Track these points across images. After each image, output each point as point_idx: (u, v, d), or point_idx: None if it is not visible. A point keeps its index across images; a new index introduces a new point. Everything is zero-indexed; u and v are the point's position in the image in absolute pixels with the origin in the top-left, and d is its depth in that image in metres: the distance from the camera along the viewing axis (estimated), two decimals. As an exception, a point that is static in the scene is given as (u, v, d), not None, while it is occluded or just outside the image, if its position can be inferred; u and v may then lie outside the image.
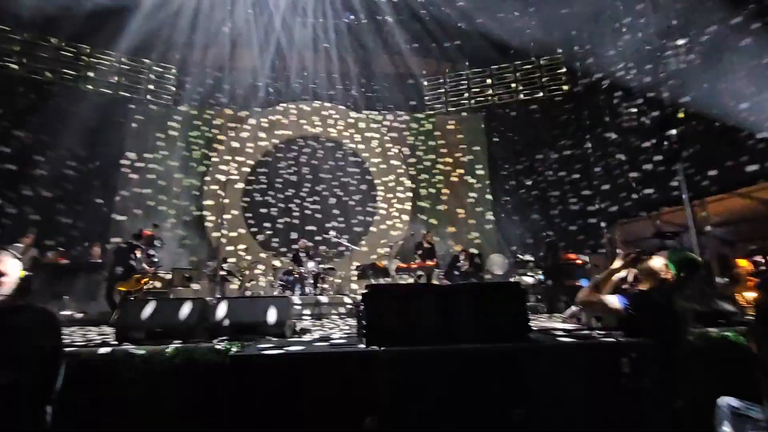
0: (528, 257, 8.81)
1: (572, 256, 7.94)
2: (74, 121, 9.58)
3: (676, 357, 2.33)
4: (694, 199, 7.44)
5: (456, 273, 8.65)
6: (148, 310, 3.17)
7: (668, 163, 7.71)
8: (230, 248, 10.36)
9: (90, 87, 10.25)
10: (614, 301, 2.48)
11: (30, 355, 1.50)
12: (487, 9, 10.20)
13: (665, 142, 7.76)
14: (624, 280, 2.90)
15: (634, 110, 8.79)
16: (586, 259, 7.83)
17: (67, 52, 9.98)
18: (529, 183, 10.95)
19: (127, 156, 10.60)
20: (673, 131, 7.47)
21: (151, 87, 10.98)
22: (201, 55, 10.97)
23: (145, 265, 6.82)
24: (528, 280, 8.02)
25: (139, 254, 6.74)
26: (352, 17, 11.07)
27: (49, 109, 9.45)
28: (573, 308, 4.26)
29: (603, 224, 9.59)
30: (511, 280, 8.52)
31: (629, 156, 8.84)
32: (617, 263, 2.60)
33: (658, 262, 2.55)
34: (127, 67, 10.72)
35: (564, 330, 3.36)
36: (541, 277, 7.83)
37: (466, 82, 11.69)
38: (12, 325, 1.53)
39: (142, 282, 6.46)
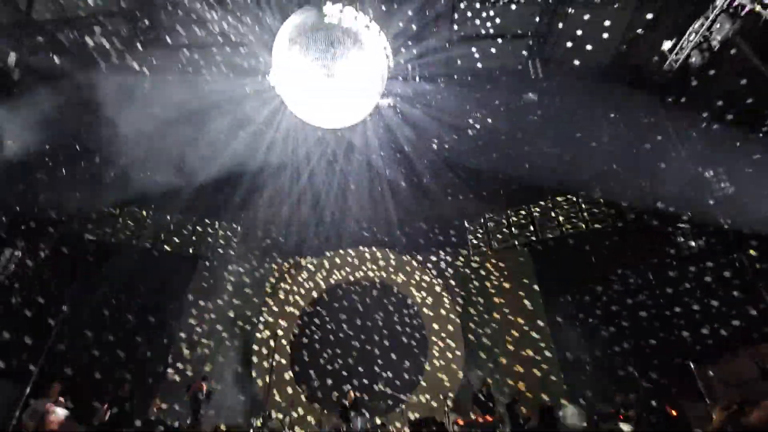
0: (610, 407, 7.55)
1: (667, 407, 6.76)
2: (138, 280, 10.62)
3: None
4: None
5: (523, 428, 7.47)
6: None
7: (752, 289, 7.02)
8: (277, 401, 9.87)
9: (166, 248, 11.65)
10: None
11: None
12: (518, 152, 11.14)
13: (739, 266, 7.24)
14: None
15: (690, 236, 8.45)
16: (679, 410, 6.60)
17: (144, 217, 11.75)
18: (592, 319, 10.06)
19: (185, 310, 11.33)
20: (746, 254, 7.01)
21: (213, 243, 12.29)
22: (259, 212, 12.41)
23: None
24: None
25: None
26: (395, 170, 12.36)
27: (117, 268, 10.67)
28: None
29: (692, 364, 8.27)
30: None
31: (702, 286, 8.10)
32: (717, 418, 2.19)
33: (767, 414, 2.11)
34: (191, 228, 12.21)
35: None
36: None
37: (507, 220, 12.07)
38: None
39: None
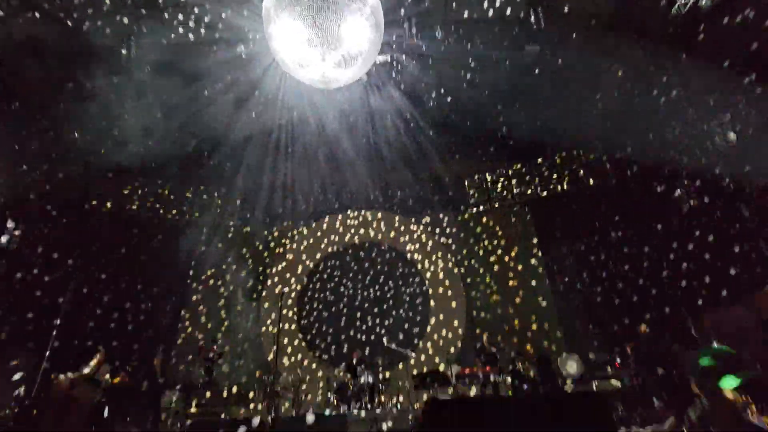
0: (606, 356, 7.86)
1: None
2: (143, 246, 10.79)
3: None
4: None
5: (523, 380, 7.80)
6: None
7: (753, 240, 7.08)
8: (285, 362, 10.30)
9: (168, 216, 11.66)
10: None
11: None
12: (518, 108, 10.87)
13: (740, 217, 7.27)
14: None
15: (691, 189, 8.42)
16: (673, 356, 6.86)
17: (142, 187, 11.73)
18: (590, 273, 10.26)
19: (191, 275, 11.51)
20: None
21: (213, 211, 12.26)
22: (256, 179, 12.22)
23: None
24: (610, 384, 7.05)
25: None
26: (395, 128, 12.02)
27: (119, 238, 10.76)
28: (673, 419, 3.64)
29: (685, 311, 8.51)
30: (591, 385, 7.55)
31: (702, 237, 8.15)
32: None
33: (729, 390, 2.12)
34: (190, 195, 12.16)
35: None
36: (626, 380, 6.87)
37: (507, 178, 11.99)
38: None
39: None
